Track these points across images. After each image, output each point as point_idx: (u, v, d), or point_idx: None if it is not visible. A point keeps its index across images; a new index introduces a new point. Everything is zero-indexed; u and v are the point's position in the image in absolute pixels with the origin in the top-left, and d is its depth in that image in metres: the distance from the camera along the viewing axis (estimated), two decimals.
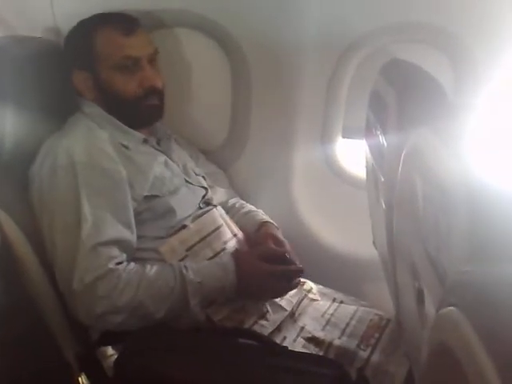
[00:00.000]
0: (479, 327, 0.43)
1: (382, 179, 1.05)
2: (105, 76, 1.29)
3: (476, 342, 0.41)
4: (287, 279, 1.29)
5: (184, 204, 1.30)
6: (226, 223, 1.36)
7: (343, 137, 1.59)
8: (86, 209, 1.14)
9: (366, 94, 1.24)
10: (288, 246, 1.36)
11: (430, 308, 0.76)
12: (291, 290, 1.31)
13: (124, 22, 1.30)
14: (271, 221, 1.47)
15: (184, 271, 1.18)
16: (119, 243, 1.17)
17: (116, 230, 1.17)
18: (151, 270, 1.17)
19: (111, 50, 1.27)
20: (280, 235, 1.40)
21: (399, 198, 0.92)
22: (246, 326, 1.24)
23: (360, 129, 1.32)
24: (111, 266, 1.13)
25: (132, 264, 1.17)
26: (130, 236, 1.20)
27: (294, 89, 1.51)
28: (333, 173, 1.63)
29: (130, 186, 1.22)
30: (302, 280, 1.45)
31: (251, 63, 1.48)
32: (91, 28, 1.29)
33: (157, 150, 1.36)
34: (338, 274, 1.60)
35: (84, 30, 1.30)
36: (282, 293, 1.30)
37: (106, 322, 1.13)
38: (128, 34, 1.28)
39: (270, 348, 1.17)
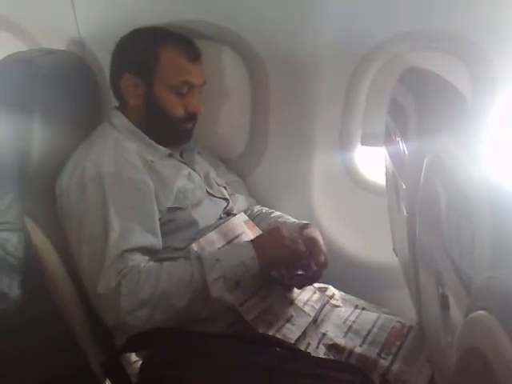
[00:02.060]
0: (510, 330, 0.43)
1: (404, 186, 1.06)
2: (157, 91, 1.32)
3: (508, 345, 0.42)
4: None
5: (206, 216, 1.33)
6: (245, 232, 1.37)
7: (362, 144, 1.60)
8: (114, 219, 1.17)
9: (385, 101, 1.24)
10: (324, 258, 1.34)
11: (455, 313, 0.77)
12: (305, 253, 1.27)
13: (191, 48, 1.34)
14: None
15: (200, 255, 1.20)
16: (145, 250, 1.19)
17: (142, 238, 1.19)
18: (169, 263, 1.19)
19: (174, 72, 1.31)
20: (321, 242, 1.38)
21: (421, 206, 0.92)
22: (275, 328, 1.24)
23: (379, 136, 1.33)
24: (131, 263, 1.15)
25: (151, 262, 1.19)
26: (157, 243, 1.22)
27: (313, 97, 1.52)
28: (352, 180, 1.64)
29: (156, 197, 1.24)
30: (325, 285, 1.46)
31: (270, 72, 1.49)
32: (158, 41, 1.32)
33: (180, 162, 1.39)
34: (358, 281, 1.60)
35: (150, 40, 1.33)
36: (301, 252, 1.26)
37: (134, 318, 1.13)
38: (192, 60, 1.33)
39: (291, 354, 1.18)
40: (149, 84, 1.32)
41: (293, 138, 1.59)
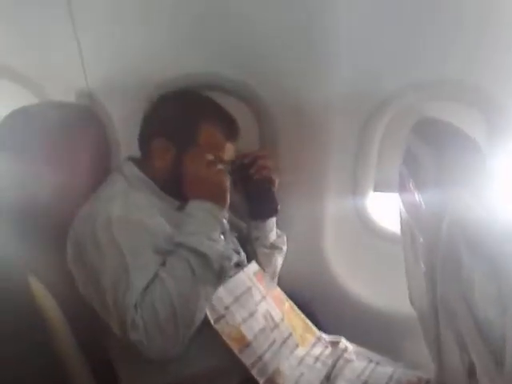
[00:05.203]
0: None
1: (421, 240, 1.03)
2: (189, 161, 1.30)
3: None
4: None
5: None
6: (255, 285, 1.34)
7: (375, 190, 1.58)
8: (130, 260, 1.14)
9: (397, 148, 1.23)
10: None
11: (482, 379, 0.73)
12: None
13: (231, 125, 1.34)
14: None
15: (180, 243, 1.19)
16: None
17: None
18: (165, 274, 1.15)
19: (211, 147, 1.31)
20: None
21: (442, 263, 0.89)
22: None
23: (392, 182, 1.31)
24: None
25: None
26: None
27: (325, 144, 1.50)
28: (364, 226, 1.61)
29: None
30: (337, 339, 1.42)
31: (279, 122, 1.48)
32: (200, 114, 1.32)
33: None
34: (371, 330, 1.56)
35: (191, 110, 1.33)
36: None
37: (170, 343, 1.11)
38: (229, 139, 1.33)
39: None
40: (180, 151, 1.30)
41: (305, 182, 1.57)
